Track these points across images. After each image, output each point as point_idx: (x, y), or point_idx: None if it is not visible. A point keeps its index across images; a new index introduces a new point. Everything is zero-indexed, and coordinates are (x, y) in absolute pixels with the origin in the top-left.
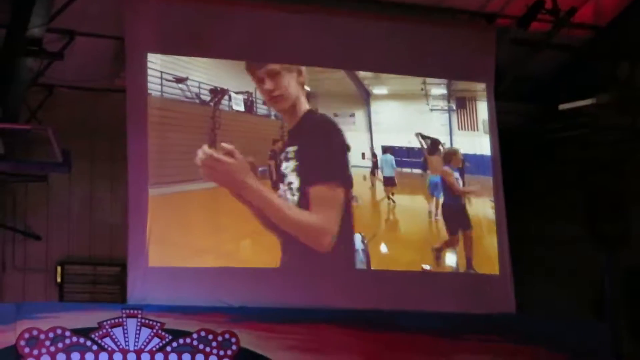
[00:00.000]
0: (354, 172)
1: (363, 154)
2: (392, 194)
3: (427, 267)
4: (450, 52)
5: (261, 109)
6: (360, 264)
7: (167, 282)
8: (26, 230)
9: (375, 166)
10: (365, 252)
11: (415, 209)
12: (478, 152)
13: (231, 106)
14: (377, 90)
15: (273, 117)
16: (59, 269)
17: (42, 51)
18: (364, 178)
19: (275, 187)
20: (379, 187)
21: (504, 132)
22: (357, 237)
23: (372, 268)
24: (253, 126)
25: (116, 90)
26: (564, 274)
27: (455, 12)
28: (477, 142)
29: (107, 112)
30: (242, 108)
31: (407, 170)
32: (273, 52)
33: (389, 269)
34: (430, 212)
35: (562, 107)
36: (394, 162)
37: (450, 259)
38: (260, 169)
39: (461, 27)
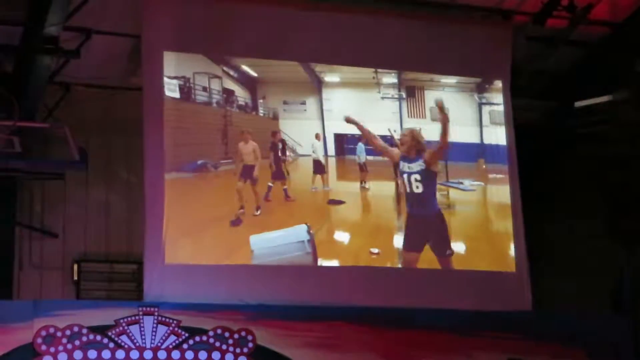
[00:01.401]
0: (303, 160)
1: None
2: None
3: (375, 250)
4: (467, 49)
5: (200, 95)
6: (306, 256)
7: (183, 279)
8: (43, 228)
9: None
10: (311, 242)
11: (365, 196)
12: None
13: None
14: (328, 78)
15: (215, 105)
16: (75, 266)
17: (59, 49)
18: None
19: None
20: (332, 175)
21: (520, 128)
22: (303, 228)
23: (318, 257)
24: (191, 115)
25: (132, 89)
26: (583, 270)
27: (472, 9)
28: (426, 129)
29: (124, 110)
30: (177, 95)
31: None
32: (288, 50)
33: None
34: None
35: (578, 103)
36: (364, 150)
37: None
38: (199, 162)
39: (477, 24)
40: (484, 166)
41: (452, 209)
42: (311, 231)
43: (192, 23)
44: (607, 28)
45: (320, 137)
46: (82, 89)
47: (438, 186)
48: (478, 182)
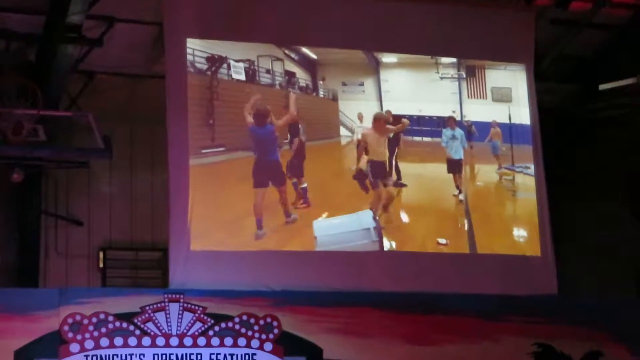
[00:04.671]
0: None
1: None
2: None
3: (442, 241)
4: (489, 33)
5: (264, 77)
6: (372, 244)
7: (208, 266)
8: (68, 216)
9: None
10: (377, 229)
11: (427, 177)
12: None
13: (230, 75)
14: (386, 59)
15: (277, 87)
16: (101, 254)
17: (81, 38)
18: None
19: None
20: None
21: (544, 112)
22: (368, 214)
23: (384, 242)
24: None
25: (156, 76)
26: (606, 253)
27: None
28: (488, 110)
29: (147, 98)
30: (242, 77)
31: (417, 138)
32: (310, 35)
33: (412, 250)
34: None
35: (602, 86)
36: (464, 138)
37: None
38: None
39: (500, 7)
40: None
41: (516, 195)
42: (376, 217)
43: (213, 9)
44: (631, 10)
45: (363, 117)
46: (105, 77)
47: (503, 170)
48: None
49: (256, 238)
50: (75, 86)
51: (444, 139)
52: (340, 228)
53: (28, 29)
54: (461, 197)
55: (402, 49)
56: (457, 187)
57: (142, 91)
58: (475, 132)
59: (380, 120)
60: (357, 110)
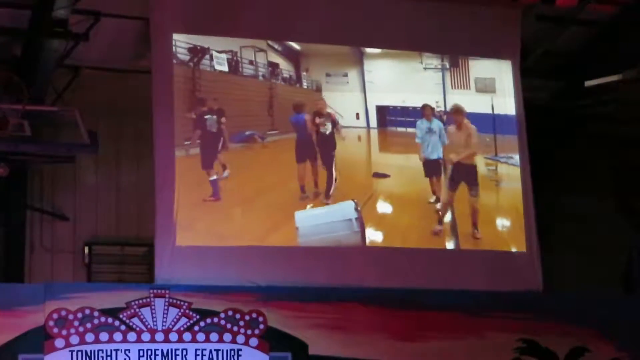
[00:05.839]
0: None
1: (357, 114)
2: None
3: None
4: (475, 30)
5: (247, 69)
6: (354, 235)
7: (194, 261)
8: (54, 211)
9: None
10: (359, 220)
11: (410, 168)
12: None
13: (213, 66)
14: (370, 49)
15: (261, 78)
16: (86, 249)
17: (67, 32)
18: (359, 139)
19: None
20: (374, 147)
21: (530, 108)
22: (350, 205)
23: (366, 234)
24: (239, 88)
25: (142, 71)
26: (592, 249)
27: None
28: (471, 100)
29: (133, 93)
30: (225, 68)
31: (401, 129)
32: (296, 31)
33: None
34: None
35: (588, 83)
36: (443, 131)
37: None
38: (247, 132)
39: (486, 4)
40: None
41: (499, 185)
42: (358, 208)
43: (200, 4)
44: (617, 7)
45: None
46: (91, 72)
47: (486, 160)
48: None
49: (301, 199)
50: (61, 81)
51: (418, 134)
52: (322, 219)
53: (13, 23)
54: (438, 205)
55: (387, 45)
56: (434, 192)
57: (129, 86)
58: (445, 120)
59: (460, 114)
60: (341, 101)
